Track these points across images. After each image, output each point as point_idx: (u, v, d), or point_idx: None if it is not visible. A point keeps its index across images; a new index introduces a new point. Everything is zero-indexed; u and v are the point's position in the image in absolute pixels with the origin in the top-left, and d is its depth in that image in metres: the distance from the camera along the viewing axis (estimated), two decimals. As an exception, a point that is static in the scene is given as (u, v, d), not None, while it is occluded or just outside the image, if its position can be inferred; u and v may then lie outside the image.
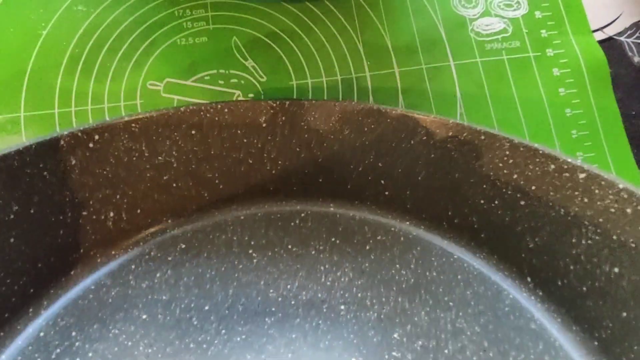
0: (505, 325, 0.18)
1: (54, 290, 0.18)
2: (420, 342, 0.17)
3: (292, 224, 0.21)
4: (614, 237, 0.17)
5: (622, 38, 0.28)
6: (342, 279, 0.19)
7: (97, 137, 0.18)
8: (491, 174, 0.19)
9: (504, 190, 0.19)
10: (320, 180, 0.21)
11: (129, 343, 0.17)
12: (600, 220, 0.17)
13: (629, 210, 0.16)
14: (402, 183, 0.21)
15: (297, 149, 0.21)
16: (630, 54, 0.28)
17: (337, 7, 0.27)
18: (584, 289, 0.18)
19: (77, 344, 0.17)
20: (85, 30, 0.25)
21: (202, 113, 0.19)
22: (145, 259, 0.19)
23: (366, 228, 0.21)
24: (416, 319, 0.18)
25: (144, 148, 0.19)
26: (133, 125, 0.18)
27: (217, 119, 0.20)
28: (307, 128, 0.21)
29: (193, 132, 0.20)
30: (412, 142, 0.20)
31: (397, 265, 0.20)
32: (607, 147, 0.26)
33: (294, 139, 0.21)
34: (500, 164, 0.19)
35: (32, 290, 0.18)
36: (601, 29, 0.28)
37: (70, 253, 0.19)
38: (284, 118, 0.20)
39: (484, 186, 0.19)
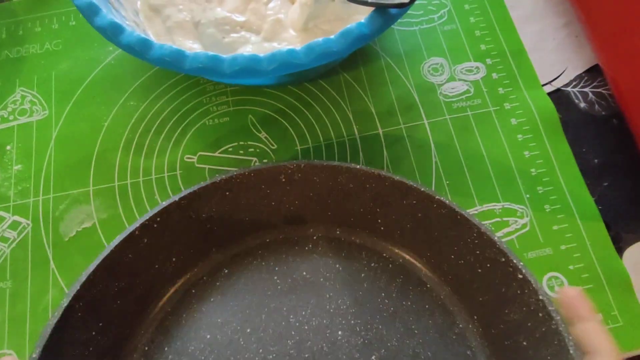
0: (450, 351, 0.24)
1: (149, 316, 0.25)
2: None
3: (306, 248, 0.27)
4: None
5: (568, 89, 0.34)
6: (342, 307, 0.25)
7: (158, 219, 0.24)
8: (461, 243, 0.24)
9: (468, 257, 0.24)
10: (329, 213, 0.27)
11: (203, 357, 0.24)
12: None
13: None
14: (393, 226, 0.26)
15: (310, 194, 0.26)
16: (576, 101, 0.33)
17: (329, 84, 0.33)
18: (520, 339, 0.22)
19: (170, 356, 0.24)
20: (136, 119, 0.33)
21: (232, 180, 0.25)
22: (200, 283, 0.26)
23: (364, 254, 0.27)
24: (389, 344, 0.24)
25: (190, 212, 0.25)
26: (182, 201, 0.24)
27: (245, 181, 0.26)
28: (318, 182, 0.26)
29: (227, 193, 0.26)
30: (404, 201, 0.25)
31: (383, 294, 0.25)
32: (563, 180, 0.31)
33: (307, 189, 0.26)
34: (469, 239, 0.24)
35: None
36: (549, 82, 0.34)
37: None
38: (300, 175, 0.26)
39: (454, 248, 0.25)
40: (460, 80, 0.34)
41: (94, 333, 0.22)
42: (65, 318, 0.20)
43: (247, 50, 0.29)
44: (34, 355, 0.19)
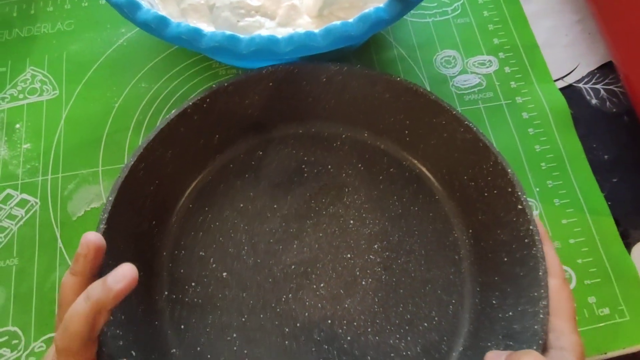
0: (440, 254, 0.26)
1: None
2: (387, 253, 0.27)
3: (334, 144, 0.29)
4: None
5: (580, 85, 0.34)
6: (357, 202, 0.28)
7: (208, 100, 0.26)
8: (477, 168, 0.26)
9: (480, 181, 0.26)
10: (361, 116, 0.29)
11: (236, 221, 0.27)
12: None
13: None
14: (418, 140, 0.28)
15: (346, 97, 0.28)
16: (588, 97, 0.33)
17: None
18: (502, 255, 0.25)
19: (209, 216, 0.27)
20: (147, 100, 0.32)
21: (277, 72, 0.27)
22: (238, 160, 0.28)
23: (385, 159, 0.29)
24: (391, 238, 0.27)
25: (236, 97, 0.27)
26: (230, 87, 0.26)
27: (288, 76, 0.27)
28: (357, 87, 0.27)
29: (270, 84, 0.27)
30: (434, 120, 0.27)
31: (395, 197, 0.28)
32: (573, 175, 0.31)
33: (345, 92, 0.28)
34: (485, 166, 0.26)
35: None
36: (562, 78, 0.34)
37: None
38: (340, 78, 0.27)
39: (469, 170, 0.27)
40: (472, 73, 0.34)
41: (152, 188, 0.25)
42: (131, 174, 0.24)
43: (261, 34, 0.29)
44: (110, 199, 0.23)
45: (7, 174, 0.30)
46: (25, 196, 0.30)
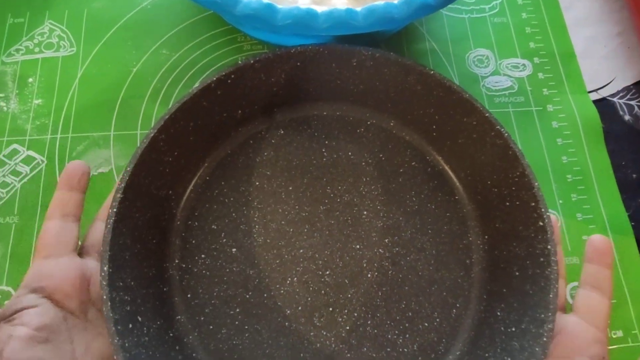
0: (452, 255, 0.26)
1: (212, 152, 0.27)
2: (397, 249, 0.26)
3: (358, 130, 0.28)
4: None
5: (614, 99, 0.33)
6: (374, 192, 0.27)
7: (232, 76, 0.25)
8: (502, 175, 0.25)
9: (503, 189, 0.25)
10: (389, 105, 0.28)
11: (250, 198, 0.27)
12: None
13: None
14: (446, 137, 0.27)
15: (376, 84, 0.27)
16: (621, 112, 0.32)
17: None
18: (514, 269, 0.24)
19: (224, 190, 0.27)
20: (167, 69, 0.31)
21: (306, 52, 0.26)
22: (259, 137, 0.28)
23: (409, 151, 0.28)
24: (403, 234, 0.26)
25: (262, 74, 0.26)
26: (256, 64, 0.25)
27: (317, 57, 0.26)
28: (388, 74, 0.26)
29: (298, 64, 0.26)
30: (464, 119, 0.26)
31: (413, 192, 0.27)
32: (599, 191, 0.30)
33: (375, 78, 0.27)
34: (511, 174, 0.24)
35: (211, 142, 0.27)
36: (596, 90, 0.33)
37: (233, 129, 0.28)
38: (371, 63, 0.26)
39: (494, 177, 0.26)
40: (504, 75, 0.32)
41: (170, 159, 0.25)
42: (152, 144, 0.23)
43: (293, 11, 0.28)
44: (128, 169, 0.22)
45: (15, 128, 0.29)
46: (31, 153, 0.29)
